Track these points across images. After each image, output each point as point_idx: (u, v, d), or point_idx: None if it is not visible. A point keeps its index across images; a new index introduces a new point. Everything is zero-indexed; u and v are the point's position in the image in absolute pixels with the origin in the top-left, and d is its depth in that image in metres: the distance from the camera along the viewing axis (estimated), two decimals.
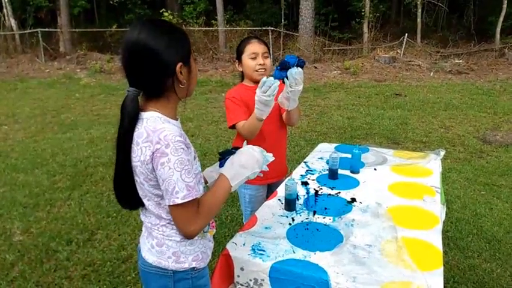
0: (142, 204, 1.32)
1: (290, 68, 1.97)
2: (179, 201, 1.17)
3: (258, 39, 2.26)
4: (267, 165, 1.48)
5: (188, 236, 1.26)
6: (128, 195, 1.30)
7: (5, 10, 14.42)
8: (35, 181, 4.39)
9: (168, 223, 1.30)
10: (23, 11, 15.91)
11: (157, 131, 1.17)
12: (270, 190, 2.35)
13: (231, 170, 1.37)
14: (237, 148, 1.49)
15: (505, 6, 13.38)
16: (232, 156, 1.42)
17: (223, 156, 1.47)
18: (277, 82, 1.88)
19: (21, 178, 4.47)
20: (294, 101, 2.08)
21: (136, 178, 1.26)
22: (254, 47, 2.18)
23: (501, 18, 13.49)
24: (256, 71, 2.18)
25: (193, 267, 1.35)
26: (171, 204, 1.19)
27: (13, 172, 4.64)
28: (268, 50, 2.28)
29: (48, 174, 4.56)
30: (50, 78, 11.36)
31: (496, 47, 13.20)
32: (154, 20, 1.24)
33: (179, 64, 1.21)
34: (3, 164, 4.89)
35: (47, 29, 14.20)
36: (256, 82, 2.09)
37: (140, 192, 1.29)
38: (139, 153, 1.20)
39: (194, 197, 1.20)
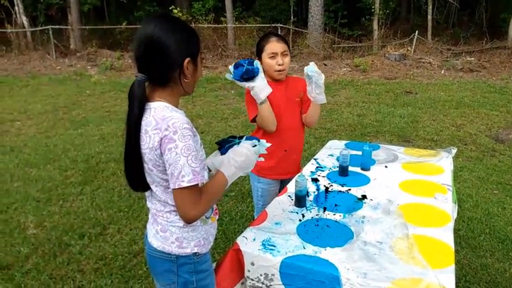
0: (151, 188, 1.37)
1: (255, 76, 2.05)
2: (185, 184, 1.22)
3: (278, 36, 2.25)
4: (266, 149, 1.54)
5: (188, 220, 1.30)
6: (138, 180, 1.35)
7: (16, 8, 14.57)
8: (47, 176, 4.45)
9: (173, 210, 1.36)
10: (34, 9, 16.06)
11: (166, 119, 1.23)
12: (282, 186, 2.36)
13: (229, 169, 1.42)
14: (233, 137, 1.58)
15: None
16: (231, 155, 1.46)
17: (222, 145, 1.56)
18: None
19: (34, 173, 4.54)
20: (322, 93, 2.20)
21: (144, 165, 1.31)
22: (273, 46, 2.18)
23: None
24: (276, 70, 2.20)
25: (195, 253, 1.40)
26: (176, 187, 1.23)
27: (26, 167, 4.71)
28: (288, 47, 2.27)
29: (61, 170, 4.62)
30: (61, 75, 11.47)
31: (509, 44, 12.99)
32: (169, 16, 1.33)
33: (188, 59, 1.29)
34: (16, 159, 4.96)
35: (57, 26, 14.31)
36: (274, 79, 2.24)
37: (148, 179, 1.34)
38: (148, 141, 1.25)
39: (199, 182, 1.24)
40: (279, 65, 2.19)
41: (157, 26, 1.25)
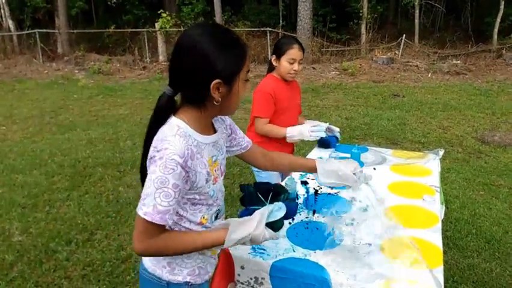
0: None
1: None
2: (140, 212, 1.10)
3: (300, 45, 2.44)
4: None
5: (133, 249, 1.18)
6: None
7: (2, 11, 14.40)
8: (33, 182, 4.38)
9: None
10: (20, 12, 15.88)
11: (164, 141, 1.12)
12: (283, 178, 2.50)
13: (230, 241, 1.16)
14: (262, 189, 1.31)
15: (502, 7, 13.41)
16: (242, 226, 1.17)
17: (246, 203, 1.32)
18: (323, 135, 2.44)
19: (20, 179, 4.47)
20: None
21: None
22: (295, 53, 2.39)
23: (498, 19, 13.52)
24: (289, 73, 2.44)
25: (187, 282, 1.29)
26: (136, 210, 1.12)
27: (11, 173, 4.63)
28: (303, 55, 2.50)
29: (47, 175, 4.56)
30: (48, 79, 11.35)
31: (494, 47, 13.23)
32: (215, 26, 1.22)
33: (217, 81, 1.13)
34: (1, 165, 4.88)
35: (44, 30, 14.17)
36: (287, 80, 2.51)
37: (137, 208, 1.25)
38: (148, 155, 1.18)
39: (154, 222, 1.09)
40: (294, 70, 2.43)
41: (196, 36, 1.13)
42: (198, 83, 1.14)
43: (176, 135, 1.14)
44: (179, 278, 1.28)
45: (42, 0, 15.23)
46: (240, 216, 1.26)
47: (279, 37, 13.84)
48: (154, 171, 1.10)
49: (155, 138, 1.15)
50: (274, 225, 1.20)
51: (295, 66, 2.41)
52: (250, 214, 1.20)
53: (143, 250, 1.15)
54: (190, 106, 1.20)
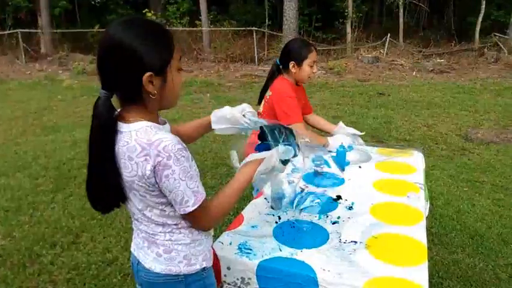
0: (117, 206, 1.26)
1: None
2: (190, 209, 1.18)
3: (315, 48, 2.50)
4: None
5: (206, 230, 1.34)
6: (108, 205, 1.26)
7: None
8: (17, 184, 4.30)
9: (175, 228, 1.27)
10: (2, 11, 15.60)
11: (154, 144, 1.10)
12: None
13: (258, 172, 1.39)
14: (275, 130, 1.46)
15: (483, 6, 13.68)
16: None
17: (261, 141, 1.47)
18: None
19: (3, 181, 4.38)
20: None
21: (132, 192, 1.20)
22: (315, 56, 2.46)
23: (480, 19, 13.79)
24: (309, 77, 2.51)
25: (204, 267, 1.35)
26: (182, 213, 1.20)
27: None
28: None
29: (31, 177, 4.48)
30: (31, 79, 11.16)
31: (476, 46, 13.48)
32: (135, 20, 1.16)
33: (148, 74, 1.11)
34: None
35: (27, 30, 13.93)
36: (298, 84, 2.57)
37: (140, 205, 1.23)
38: (135, 168, 1.13)
39: (202, 200, 1.21)
40: (314, 72, 2.50)
41: (117, 31, 1.10)
42: (129, 79, 1.12)
43: (156, 132, 1.14)
44: (196, 267, 1.32)
45: (24, 0, 14.97)
46: (257, 149, 1.47)
47: (265, 37, 13.91)
48: (173, 171, 1.12)
49: (138, 151, 1.12)
50: (283, 162, 1.46)
51: (315, 69, 2.49)
52: (266, 148, 1.43)
53: (216, 222, 1.36)
54: (132, 105, 1.17)
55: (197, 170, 1.23)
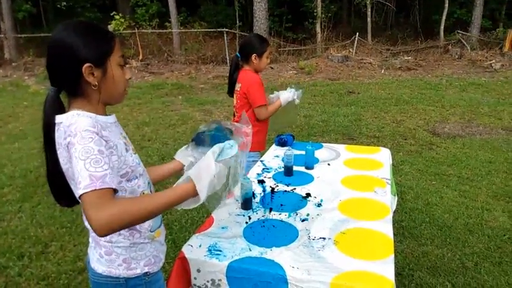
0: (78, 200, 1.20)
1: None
2: (80, 191, 1.02)
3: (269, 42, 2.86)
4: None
5: (96, 232, 1.02)
6: (63, 195, 1.25)
7: None
8: None
9: None
10: None
11: (71, 125, 1.12)
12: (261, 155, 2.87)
13: (203, 190, 1.16)
14: (202, 133, 1.43)
15: (446, 5, 14.14)
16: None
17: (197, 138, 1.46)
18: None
19: None
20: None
21: (70, 182, 1.20)
22: (270, 48, 2.81)
23: (444, 17, 14.25)
24: (265, 67, 2.85)
25: (146, 272, 1.32)
26: (78, 196, 1.05)
27: None
28: None
29: None
30: None
31: (441, 43, 13.91)
32: (76, 21, 1.23)
33: (87, 64, 1.15)
34: None
35: None
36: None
37: (78, 197, 1.17)
38: (64, 154, 1.15)
39: (97, 189, 1.03)
40: (268, 63, 2.83)
41: (59, 30, 1.17)
42: (69, 72, 1.16)
43: (81, 117, 1.15)
44: (137, 271, 1.30)
45: None
46: (193, 140, 1.46)
47: (236, 38, 13.89)
48: (75, 149, 1.07)
49: (62, 136, 1.14)
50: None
51: (269, 59, 2.82)
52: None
53: (105, 225, 1.00)
54: (77, 99, 1.20)
55: (131, 163, 1.22)
